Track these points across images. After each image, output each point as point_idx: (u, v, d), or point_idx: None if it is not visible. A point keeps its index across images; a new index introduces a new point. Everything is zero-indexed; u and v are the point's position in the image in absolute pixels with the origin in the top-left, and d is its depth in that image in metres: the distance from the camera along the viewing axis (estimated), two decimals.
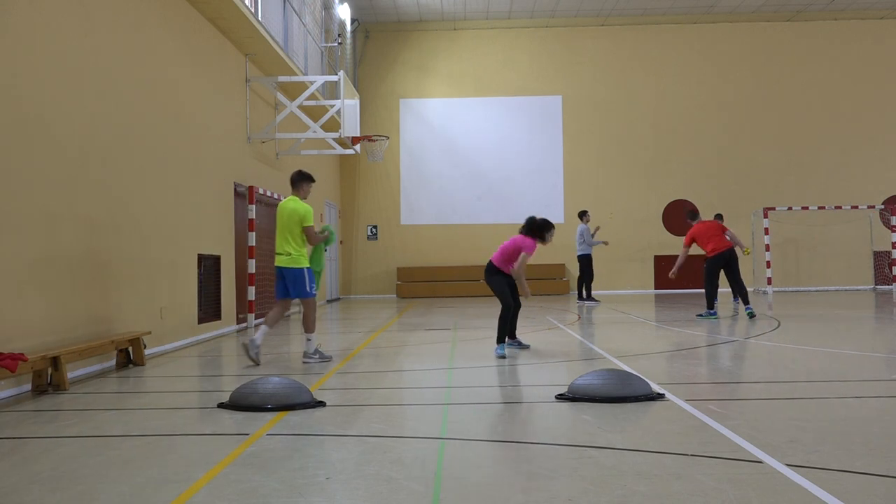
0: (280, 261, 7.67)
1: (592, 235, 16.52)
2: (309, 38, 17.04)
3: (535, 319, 12.63)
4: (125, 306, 8.23)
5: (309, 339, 7.78)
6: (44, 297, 6.68)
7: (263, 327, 7.71)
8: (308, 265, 7.76)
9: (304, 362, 7.70)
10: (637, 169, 22.07)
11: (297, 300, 7.97)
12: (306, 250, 7.82)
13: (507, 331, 8.00)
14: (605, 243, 17.03)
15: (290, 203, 7.79)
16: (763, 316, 12.37)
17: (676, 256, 21.72)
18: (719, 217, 16.11)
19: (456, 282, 21.25)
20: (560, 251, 21.48)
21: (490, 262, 8.30)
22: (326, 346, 9.97)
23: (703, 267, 12.26)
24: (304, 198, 7.94)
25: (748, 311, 11.78)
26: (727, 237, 12.00)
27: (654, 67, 22.18)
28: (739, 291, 11.98)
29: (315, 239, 7.80)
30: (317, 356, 7.77)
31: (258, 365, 7.58)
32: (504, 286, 8.14)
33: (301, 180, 7.98)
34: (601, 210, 21.21)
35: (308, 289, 7.70)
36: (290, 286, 7.67)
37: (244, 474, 3.67)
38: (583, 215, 16.56)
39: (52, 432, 4.80)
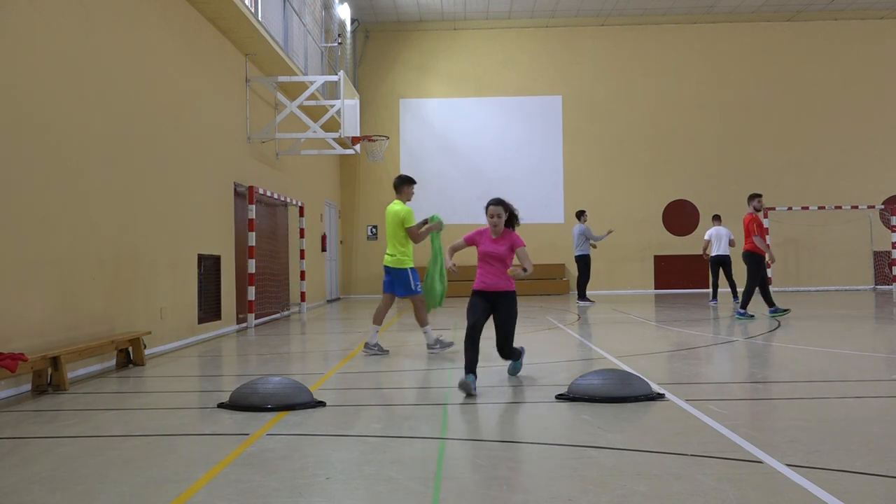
0: (385, 260, 8.40)
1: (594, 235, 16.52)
2: (309, 38, 17.04)
3: (536, 319, 12.62)
4: (125, 306, 8.23)
5: (426, 332, 8.28)
6: (44, 297, 6.68)
7: (374, 327, 8.30)
8: (411, 265, 8.28)
9: (430, 354, 8.17)
10: (637, 169, 22.07)
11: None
12: (410, 250, 8.33)
13: (473, 358, 5.75)
14: (611, 231, 17.02)
15: (394, 206, 8.30)
16: (763, 316, 12.36)
17: (676, 256, 21.95)
18: (717, 218, 16.14)
19: (456, 282, 21.19)
20: (560, 251, 21.49)
21: None
22: (326, 345, 9.98)
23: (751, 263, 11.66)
24: (406, 200, 8.36)
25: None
26: (754, 240, 11.59)
27: (654, 67, 22.18)
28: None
29: (418, 237, 8.28)
30: (438, 346, 8.19)
31: (387, 353, 8.24)
32: (470, 304, 6.14)
33: (402, 184, 8.39)
34: (601, 210, 21.19)
35: (413, 287, 8.24)
36: (396, 285, 8.31)
37: (244, 474, 3.67)
38: (581, 215, 16.55)
39: (52, 432, 4.80)
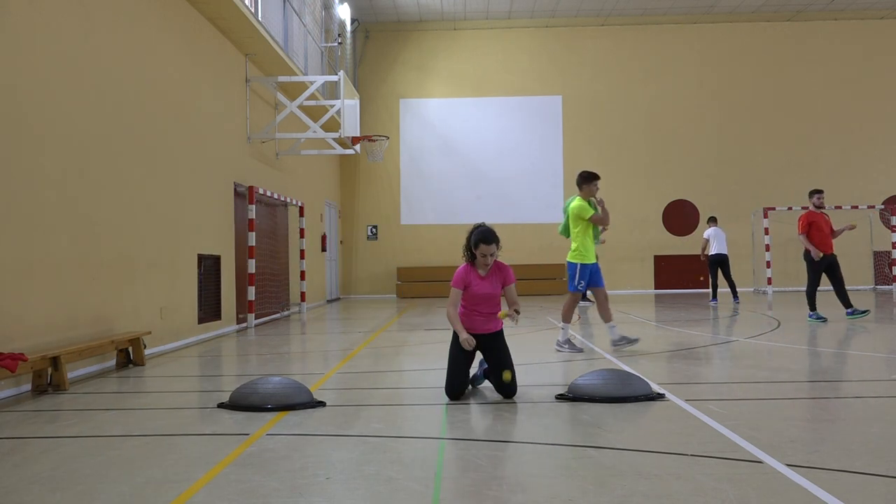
0: (568, 255, 8.35)
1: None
2: (309, 38, 17.04)
3: (536, 319, 12.62)
4: (125, 306, 8.23)
5: (562, 329, 8.21)
6: (44, 297, 6.68)
7: (609, 325, 8.22)
8: (585, 261, 8.14)
9: (613, 348, 8.16)
10: (637, 169, 22.07)
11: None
12: (586, 245, 8.17)
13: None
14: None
15: (572, 202, 8.32)
16: (763, 316, 12.37)
17: (676, 256, 21.94)
18: (713, 220, 16.14)
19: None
20: (560, 251, 21.46)
21: None
22: (326, 345, 9.98)
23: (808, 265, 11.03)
24: (588, 196, 8.23)
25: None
26: (799, 239, 11.01)
27: (654, 67, 22.18)
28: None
29: (602, 219, 8.18)
30: (624, 342, 8.12)
31: (636, 340, 8.27)
32: (452, 360, 5.58)
33: (583, 182, 8.25)
34: None
35: (575, 283, 8.17)
36: (568, 277, 8.28)
37: (244, 474, 3.67)
38: None
39: (52, 432, 4.80)
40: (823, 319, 10.96)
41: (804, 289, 11.36)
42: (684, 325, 11.21)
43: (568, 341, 8.20)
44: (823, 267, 10.97)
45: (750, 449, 3.91)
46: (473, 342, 5.42)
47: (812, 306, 11.08)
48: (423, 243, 21.89)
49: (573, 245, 8.24)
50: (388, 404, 5.65)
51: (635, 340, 8.21)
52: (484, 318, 5.57)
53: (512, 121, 22.18)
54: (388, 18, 21.73)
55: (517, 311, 5.50)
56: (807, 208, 11.33)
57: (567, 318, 8.26)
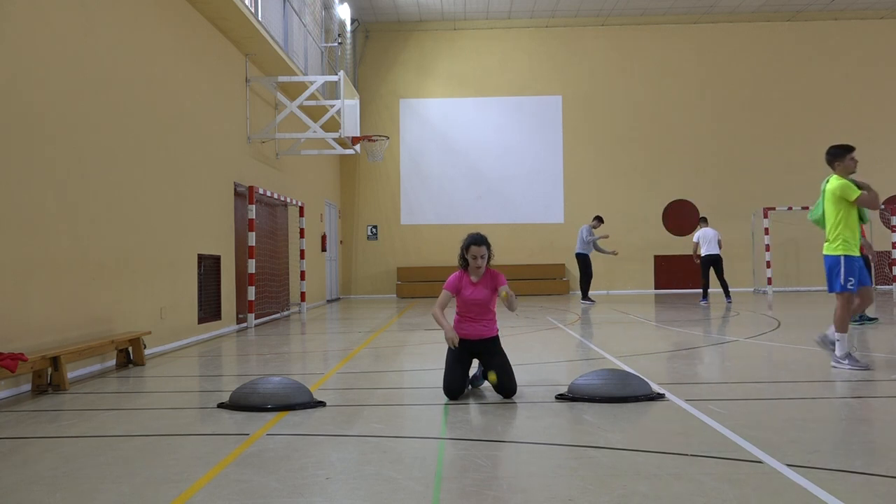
0: (825, 248, 6.85)
1: (597, 240, 16.62)
2: (309, 38, 17.05)
3: (536, 319, 12.63)
4: (125, 306, 8.23)
5: (837, 341, 6.66)
6: (44, 297, 6.68)
7: (837, 336, 6.71)
8: (851, 252, 6.63)
9: (832, 366, 6.65)
10: (637, 169, 22.07)
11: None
12: (848, 233, 6.66)
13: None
14: (615, 253, 17.15)
15: (829, 183, 6.84)
16: (763, 316, 12.37)
17: (676, 256, 21.92)
18: (703, 220, 16.21)
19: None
20: (560, 251, 21.49)
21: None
22: (326, 345, 9.98)
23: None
24: (845, 173, 6.79)
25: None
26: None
27: (654, 67, 22.18)
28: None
29: (871, 201, 6.69)
30: (847, 362, 6.55)
31: (866, 368, 6.60)
32: (449, 363, 5.66)
33: (834, 159, 6.90)
34: (601, 210, 21.17)
35: (842, 282, 6.63)
36: (830, 276, 6.76)
37: (244, 474, 3.67)
38: (594, 219, 16.82)
39: (53, 432, 4.80)
40: (871, 320, 10.55)
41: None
42: (684, 325, 11.21)
43: (848, 355, 6.58)
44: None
45: (750, 449, 3.91)
46: (457, 340, 5.53)
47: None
48: (423, 243, 21.88)
49: (832, 234, 6.68)
50: (388, 404, 5.65)
51: (865, 368, 6.49)
52: (477, 324, 5.68)
53: (512, 121, 22.18)
54: (388, 18, 21.73)
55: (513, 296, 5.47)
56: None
57: (843, 328, 6.61)
